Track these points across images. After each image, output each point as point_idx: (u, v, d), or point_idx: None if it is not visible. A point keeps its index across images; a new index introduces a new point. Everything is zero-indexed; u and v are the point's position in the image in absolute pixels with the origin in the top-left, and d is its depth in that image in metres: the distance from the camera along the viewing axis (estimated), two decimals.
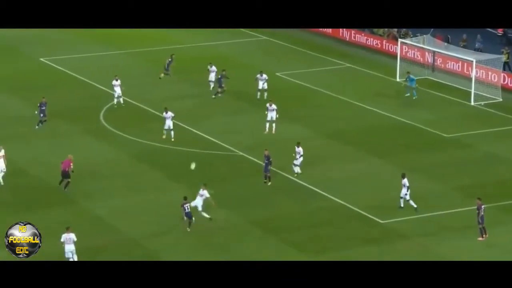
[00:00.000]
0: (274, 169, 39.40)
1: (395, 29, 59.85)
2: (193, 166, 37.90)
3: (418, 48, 55.13)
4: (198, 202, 34.78)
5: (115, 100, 47.70)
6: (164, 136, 43.08)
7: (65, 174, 37.11)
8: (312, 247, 33.14)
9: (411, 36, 57.55)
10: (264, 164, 38.42)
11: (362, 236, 34.11)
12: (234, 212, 36.06)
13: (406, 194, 35.96)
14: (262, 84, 48.82)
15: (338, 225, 35.07)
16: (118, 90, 47.50)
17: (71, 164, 37.18)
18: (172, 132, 43.06)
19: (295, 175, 39.02)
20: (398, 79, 52.81)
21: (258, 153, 40.67)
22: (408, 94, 50.16)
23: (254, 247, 33.20)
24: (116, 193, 37.50)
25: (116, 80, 47.69)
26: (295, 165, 39.07)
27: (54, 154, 40.85)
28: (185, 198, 34.41)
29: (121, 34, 63.17)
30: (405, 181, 36.03)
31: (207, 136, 44.05)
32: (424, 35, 54.78)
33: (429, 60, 55.05)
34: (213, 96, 49.46)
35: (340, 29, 62.27)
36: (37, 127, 44.12)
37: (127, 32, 63.81)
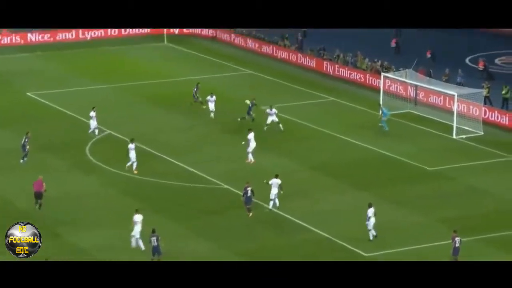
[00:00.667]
0: (258, 201, 39.33)
1: (378, 63, 60.18)
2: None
3: (400, 82, 55.36)
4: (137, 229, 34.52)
5: (95, 131, 47.91)
6: (128, 167, 42.86)
7: (39, 195, 37.25)
8: None
9: (394, 70, 57.85)
10: (244, 197, 38.01)
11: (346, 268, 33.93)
12: (219, 244, 35.90)
13: (367, 224, 35.89)
14: (271, 118, 48.99)
15: (323, 257, 34.94)
16: (94, 122, 47.80)
17: (43, 184, 37.31)
18: (135, 164, 42.55)
19: (268, 210, 38.34)
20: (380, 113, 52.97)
21: (242, 185, 40.64)
22: (381, 125, 50.19)
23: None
24: (102, 224, 37.27)
25: (94, 111, 47.96)
26: (271, 199, 38.43)
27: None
28: (153, 231, 33.98)
29: (109, 68, 63.32)
30: (370, 211, 36.01)
31: (191, 169, 43.97)
32: (407, 69, 55.09)
33: (412, 94, 55.26)
34: (239, 119, 49.80)
35: (324, 63, 62.53)
36: (21, 161, 43.98)
37: (114, 66, 63.98)
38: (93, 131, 48.16)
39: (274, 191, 38.47)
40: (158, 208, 39.20)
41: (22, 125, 49.70)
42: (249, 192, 37.67)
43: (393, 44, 66.92)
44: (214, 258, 34.55)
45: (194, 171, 43.83)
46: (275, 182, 38.66)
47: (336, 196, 41.04)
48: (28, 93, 56.66)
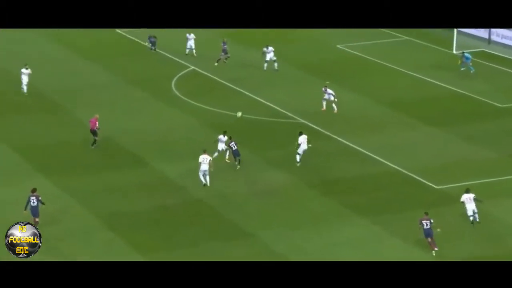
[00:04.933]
0: (332, 135, 39.04)
1: None
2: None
3: None
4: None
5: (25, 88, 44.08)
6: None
7: (93, 132, 37.53)
8: (370, 209, 32.80)
9: None
10: (232, 151, 36.06)
11: (418, 199, 33.63)
12: (293, 174, 35.87)
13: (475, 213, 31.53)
14: (270, 56, 47.86)
15: (395, 189, 34.59)
16: (25, 78, 43.91)
17: (97, 122, 37.48)
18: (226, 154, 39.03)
19: (298, 164, 36.43)
20: (454, 51, 51.73)
21: (317, 120, 40.47)
22: (464, 69, 48.97)
23: (315, 208, 33.00)
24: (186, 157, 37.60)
25: (26, 68, 43.99)
26: (298, 153, 36.72)
27: (131, 119, 41.50)
28: (33, 191, 30.93)
29: None
30: (469, 196, 31.68)
31: (269, 104, 43.85)
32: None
33: (485, 33, 53.79)
34: (216, 64, 48.45)
35: None
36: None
37: None
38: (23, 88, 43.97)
39: (303, 146, 36.40)
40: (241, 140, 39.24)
41: (113, 60, 50.21)
42: (234, 146, 35.96)
43: None
44: (292, 188, 34.57)
45: (272, 105, 43.68)
46: (302, 139, 36.55)
47: (408, 132, 40.44)
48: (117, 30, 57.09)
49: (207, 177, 34.45)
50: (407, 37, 55.74)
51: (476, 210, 31.45)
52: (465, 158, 36.13)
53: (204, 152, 34.85)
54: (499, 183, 35.17)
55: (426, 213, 30.21)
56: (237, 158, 36.22)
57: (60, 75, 48.07)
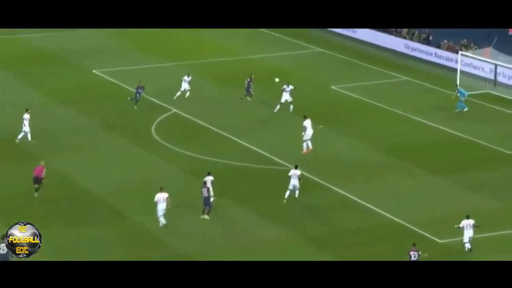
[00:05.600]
0: (327, 184, 39.32)
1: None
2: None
3: (479, 60, 54.66)
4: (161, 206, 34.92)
5: (23, 136, 44.00)
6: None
7: (37, 180, 37.85)
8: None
9: (473, 48, 57.10)
10: (204, 196, 36.04)
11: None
12: (288, 227, 36.10)
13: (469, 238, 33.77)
14: (286, 97, 48.10)
15: (395, 243, 34.84)
16: (26, 124, 43.98)
17: (44, 170, 37.87)
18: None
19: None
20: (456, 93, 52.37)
21: (311, 168, 40.78)
22: (458, 110, 49.37)
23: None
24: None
25: (27, 113, 44.13)
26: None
27: (106, 165, 41.68)
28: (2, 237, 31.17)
29: (174, 46, 63.74)
30: (469, 222, 33.89)
31: (257, 149, 44.14)
32: (487, 48, 54.29)
33: (491, 74, 54.53)
34: (242, 97, 49.62)
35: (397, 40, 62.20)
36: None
37: (179, 44, 64.34)
38: (25, 136, 43.95)
39: (293, 181, 37.46)
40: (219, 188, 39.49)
41: (87, 103, 50.57)
42: (205, 192, 35.85)
43: None
44: (285, 243, 34.75)
45: (259, 150, 43.95)
46: (294, 173, 37.61)
47: (408, 180, 40.72)
48: (93, 71, 57.48)
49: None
50: (406, 78, 56.36)
51: (472, 236, 32.91)
52: (470, 209, 36.47)
53: (161, 190, 35.16)
54: (508, 237, 35.47)
55: (414, 244, 31.58)
56: (206, 207, 36.12)
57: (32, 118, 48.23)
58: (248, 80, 50.32)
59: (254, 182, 40.43)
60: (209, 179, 36.69)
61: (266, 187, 39.78)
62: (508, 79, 54.29)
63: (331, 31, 66.35)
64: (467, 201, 38.33)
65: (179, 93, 50.53)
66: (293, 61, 59.88)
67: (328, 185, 39.69)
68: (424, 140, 45.96)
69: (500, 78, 54.66)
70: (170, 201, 35.03)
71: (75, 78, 55.75)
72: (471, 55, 55.21)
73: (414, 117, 49.14)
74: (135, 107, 49.14)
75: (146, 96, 51.67)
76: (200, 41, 64.95)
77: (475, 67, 55.65)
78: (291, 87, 48.37)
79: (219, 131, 46.62)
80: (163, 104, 50.52)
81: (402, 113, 49.81)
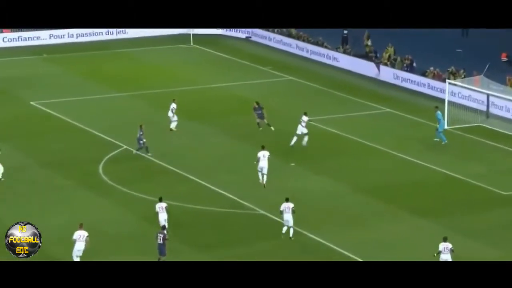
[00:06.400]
0: (303, 231, 38.93)
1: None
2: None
3: (469, 90, 54.88)
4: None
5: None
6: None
7: None
8: None
9: (462, 76, 57.42)
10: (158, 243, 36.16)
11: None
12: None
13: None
14: (302, 130, 48.82)
15: None
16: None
17: None
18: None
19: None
20: (446, 127, 52.35)
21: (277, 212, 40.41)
22: (437, 139, 49.56)
23: None
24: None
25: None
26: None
27: (46, 210, 40.98)
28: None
29: (126, 74, 63.59)
30: (446, 246, 35.47)
31: (222, 191, 43.69)
32: (478, 76, 54.58)
33: (483, 105, 54.74)
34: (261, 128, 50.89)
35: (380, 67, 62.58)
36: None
37: (133, 71, 64.24)
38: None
39: (286, 216, 38.61)
40: (183, 236, 38.94)
41: (24, 139, 49.89)
42: (160, 239, 36.05)
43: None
44: None
45: (224, 193, 43.52)
46: (286, 206, 38.53)
47: (393, 225, 40.57)
48: (32, 102, 56.88)
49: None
50: (388, 109, 56.46)
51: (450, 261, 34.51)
52: (463, 258, 36.09)
53: (80, 227, 35.50)
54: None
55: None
56: (161, 256, 36.01)
57: None
58: (256, 106, 51.34)
59: (218, 228, 40.06)
60: (163, 205, 38.53)
61: (231, 234, 39.38)
62: (504, 110, 54.38)
63: (306, 57, 66.60)
64: (459, 249, 37.98)
65: (175, 123, 50.74)
66: (261, 90, 59.80)
67: (302, 231, 39.25)
68: (408, 179, 45.82)
69: (492, 109, 54.79)
70: (89, 240, 35.28)
71: (11, 111, 55.27)
72: (460, 83, 55.36)
73: (396, 153, 49.04)
74: (149, 153, 47.59)
75: (92, 131, 51.06)
76: (149, 68, 64.92)
77: (464, 97, 55.76)
78: (307, 118, 49.05)
79: (177, 170, 46.06)
80: (111, 140, 49.93)
81: (383, 148, 49.71)
